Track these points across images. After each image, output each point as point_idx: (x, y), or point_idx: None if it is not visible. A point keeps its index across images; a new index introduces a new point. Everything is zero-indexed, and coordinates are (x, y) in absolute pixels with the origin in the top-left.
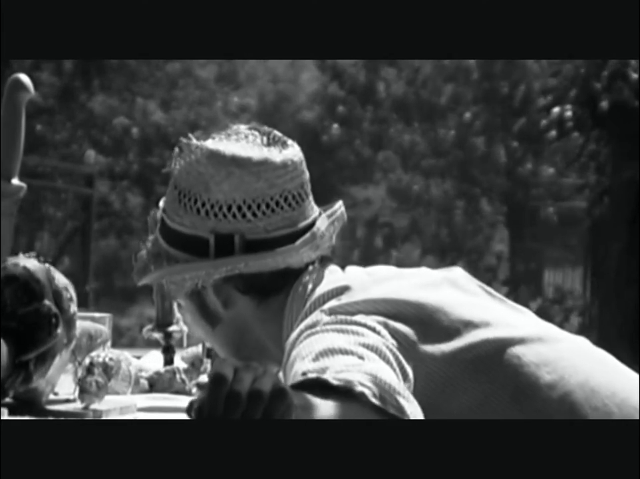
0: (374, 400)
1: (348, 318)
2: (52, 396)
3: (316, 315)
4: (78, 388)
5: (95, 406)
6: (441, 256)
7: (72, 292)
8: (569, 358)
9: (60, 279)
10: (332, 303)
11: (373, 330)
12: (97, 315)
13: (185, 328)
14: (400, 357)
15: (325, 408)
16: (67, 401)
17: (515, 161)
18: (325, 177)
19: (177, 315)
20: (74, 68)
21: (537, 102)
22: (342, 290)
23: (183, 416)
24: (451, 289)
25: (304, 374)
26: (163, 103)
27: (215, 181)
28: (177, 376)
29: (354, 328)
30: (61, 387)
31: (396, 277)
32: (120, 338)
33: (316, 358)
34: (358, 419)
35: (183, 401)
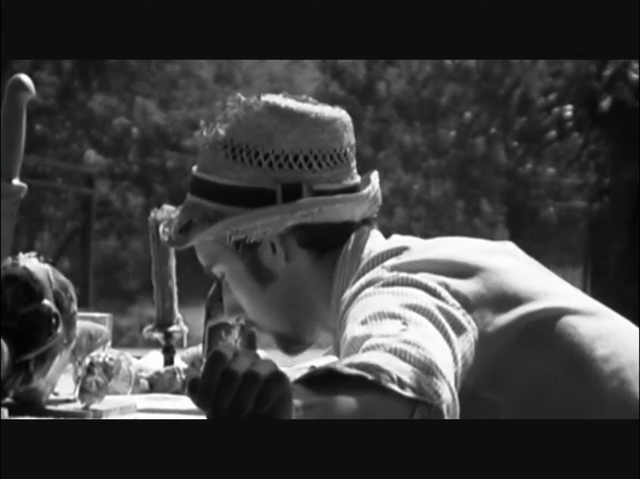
0: (392, 386)
1: (410, 276)
2: (52, 396)
3: (377, 271)
4: (78, 388)
5: (95, 406)
6: None
7: (72, 292)
8: (620, 336)
9: (60, 279)
10: (393, 261)
11: (433, 292)
12: (97, 314)
13: (185, 328)
14: (460, 319)
15: (338, 403)
16: (67, 401)
17: (515, 162)
18: None
19: (178, 315)
20: (74, 68)
21: (537, 102)
22: (401, 250)
23: (183, 416)
24: (508, 257)
25: (314, 370)
26: (163, 103)
27: (280, 132)
28: (178, 376)
29: (412, 290)
30: (61, 387)
31: (452, 241)
32: (120, 338)
33: (364, 322)
34: (365, 417)
35: (184, 401)
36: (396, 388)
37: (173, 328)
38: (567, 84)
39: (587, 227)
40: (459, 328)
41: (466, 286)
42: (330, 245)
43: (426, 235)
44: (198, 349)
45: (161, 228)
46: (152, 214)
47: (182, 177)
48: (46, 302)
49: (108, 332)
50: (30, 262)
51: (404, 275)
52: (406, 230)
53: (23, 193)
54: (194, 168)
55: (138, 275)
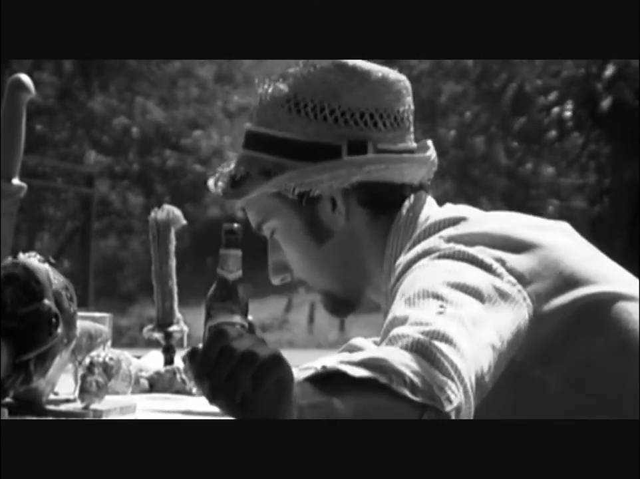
0: (403, 390)
1: (466, 251)
2: (52, 396)
3: (434, 240)
4: (78, 388)
5: (95, 406)
6: None
7: (72, 292)
8: None
9: (60, 279)
10: (450, 231)
11: (489, 268)
12: (97, 314)
13: (185, 328)
14: (514, 296)
15: (343, 404)
16: (67, 401)
17: (515, 161)
18: None
19: (178, 315)
20: (74, 68)
21: (537, 102)
22: (458, 220)
23: (183, 416)
24: (564, 236)
25: (324, 367)
26: (163, 102)
27: (346, 88)
28: (178, 376)
29: (466, 266)
30: (61, 387)
31: (509, 216)
32: (120, 338)
33: (407, 301)
34: (371, 417)
35: (184, 401)
36: (407, 392)
37: (173, 328)
38: (567, 84)
39: (588, 228)
40: (513, 305)
41: (523, 262)
42: (388, 206)
43: None
44: None
45: (211, 181)
46: (152, 214)
47: (182, 176)
48: (46, 302)
49: (108, 332)
50: (30, 262)
51: (461, 248)
52: None
53: (23, 193)
54: (248, 124)
55: (138, 275)
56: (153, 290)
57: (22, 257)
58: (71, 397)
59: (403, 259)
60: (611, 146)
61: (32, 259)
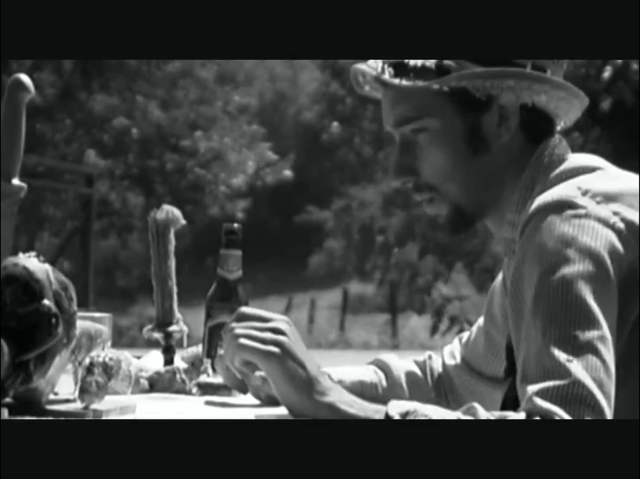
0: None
1: (599, 213)
2: (52, 396)
3: (571, 189)
4: (78, 388)
5: (95, 406)
6: (440, 256)
7: (72, 292)
8: None
9: (60, 279)
10: (587, 180)
11: (619, 233)
12: (97, 314)
13: (185, 328)
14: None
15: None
16: (67, 401)
17: None
18: (325, 178)
19: (178, 315)
20: (74, 68)
21: None
22: (595, 169)
23: (183, 416)
24: None
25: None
26: (163, 103)
27: None
28: (178, 376)
29: (597, 236)
30: (61, 387)
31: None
32: (120, 338)
33: (546, 325)
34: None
35: (184, 401)
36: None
37: (173, 328)
38: None
39: None
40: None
41: None
42: (540, 136)
43: (426, 234)
44: (198, 349)
45: (367, 66)
46: (152, 214)
47: (182, 176)
48: (46, 302)
49: (108, 332)
50: (30, 262)
51: (594, 209)
52: (406, 230)
53: (23, 193)
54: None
55: (138, 275)
56: (153, 290)
57: (22, 257)
58: (71, 397)
59: (539, 198)
60: (611, 145)
61: (32, 259)
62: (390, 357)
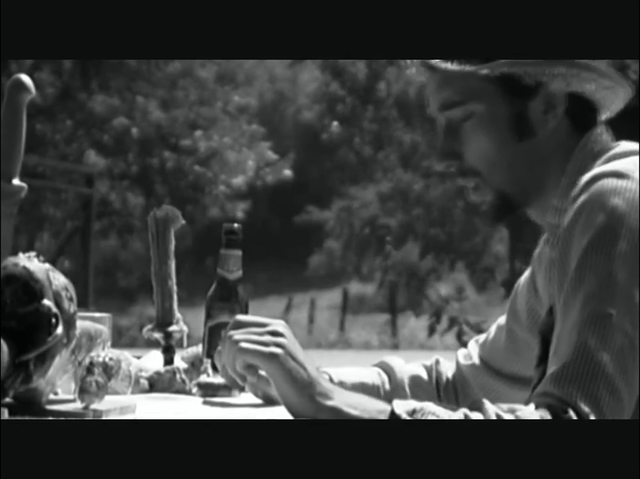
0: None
1: None
2: (52, 396)
3: (629, 163)
4: (78, 388)
5: (95, 406)
6: (440, 256)
7: (72, 292)
8: None
9: (60, 279)
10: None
11: None
12: (97, 314)
13: (185, 328)
14: None
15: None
16: (67, 401)
17: None
18: (325, 177)
19: (178, 315)
20: (74, 68)
21: None
22: None
23: (183, 416)
24: None
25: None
26: (163, 103)
27: None
28: (178, 376)
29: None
30: (61, 387)
31: None
32: (120, 338)
33: (586, 300)
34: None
35: (184, 401)
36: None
37: (173, 328)
38: None
39: None
40: None
41: None
42: (586, 124)
43: (426, 234)
44: (198, 349)
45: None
46: (151, 214)
47: (182, 176)
48: (46, 302)
49: (108, 332)
50: (30, 262)
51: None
52: (406, 229)
53: (23, 193)
54: None
55: (138, 275)
56: (153, 290)
57: (22, 257)
58: (71, 397)
59: (595, 169)
60: None
61: (32, 259)
62: (395, 360)
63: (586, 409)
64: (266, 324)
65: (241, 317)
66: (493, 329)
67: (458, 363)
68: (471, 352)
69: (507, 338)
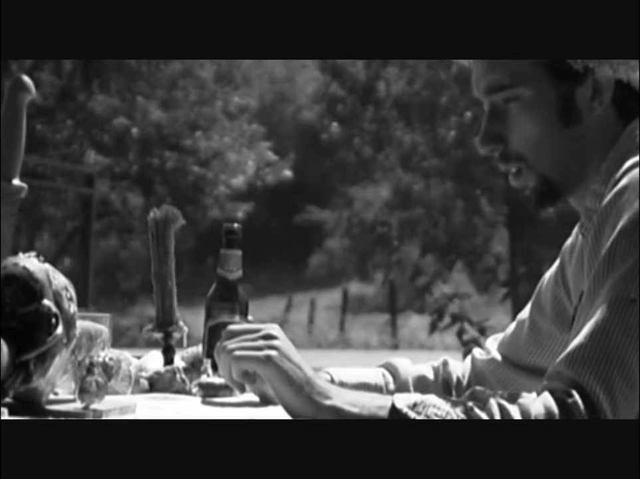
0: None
1: None
2: (52, 396)
3: None
4: (78, 388)
5: (95, 406)
6: (440, 256)
7: (72, 292)
8: None
9: (60, 279)
10: None
11: None
12: (97, 314)
13: (185, 328)
14: None
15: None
16: (67, 401)
17: None
18: (325, 178)
19: (178, 314)
20: (74, 68)
21: None
22: None
23: (183, 416)
24: None
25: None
26: (163, 103)
27: None
28: (178, 376)
29: None
30: (61, 387)
31: None
32: (120, 338)
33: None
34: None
35: (184, 401)
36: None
37: (173, 328)
38: None
39: None
40: None
41: None
42: (630, 113)
43: (426, 234)
44: (198, 349)
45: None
46: (151, 214)
47: (182, 176)
48: (46, 302)
49: (108, 332)
50: (30, 262)
51: None
52: (405, 229)
53: (23, 193)
54: None
55: (138, 275)
56: (153, 290)
57: (22, 257)
58: (71, 397)
59: (627, 162)
60: None
61: (32, 259)
62: (400, 361)
63: (597, 391)
64: (258, 330)
65: (232, 327)
66: (512, 326)
67: (473, 359)
68: (489, 348)
69: (529, 331)
